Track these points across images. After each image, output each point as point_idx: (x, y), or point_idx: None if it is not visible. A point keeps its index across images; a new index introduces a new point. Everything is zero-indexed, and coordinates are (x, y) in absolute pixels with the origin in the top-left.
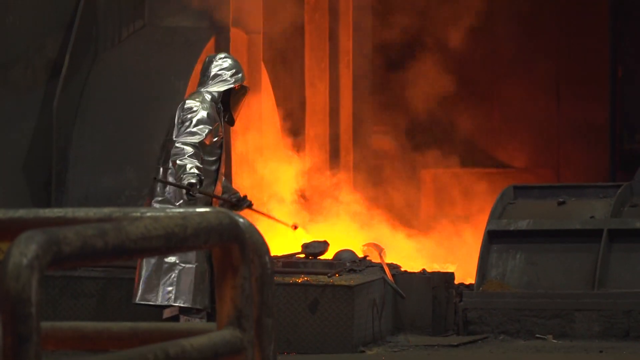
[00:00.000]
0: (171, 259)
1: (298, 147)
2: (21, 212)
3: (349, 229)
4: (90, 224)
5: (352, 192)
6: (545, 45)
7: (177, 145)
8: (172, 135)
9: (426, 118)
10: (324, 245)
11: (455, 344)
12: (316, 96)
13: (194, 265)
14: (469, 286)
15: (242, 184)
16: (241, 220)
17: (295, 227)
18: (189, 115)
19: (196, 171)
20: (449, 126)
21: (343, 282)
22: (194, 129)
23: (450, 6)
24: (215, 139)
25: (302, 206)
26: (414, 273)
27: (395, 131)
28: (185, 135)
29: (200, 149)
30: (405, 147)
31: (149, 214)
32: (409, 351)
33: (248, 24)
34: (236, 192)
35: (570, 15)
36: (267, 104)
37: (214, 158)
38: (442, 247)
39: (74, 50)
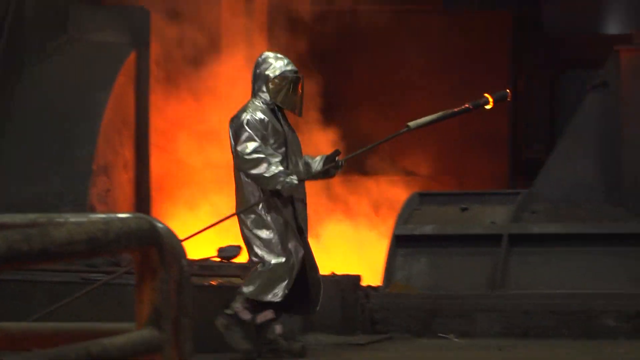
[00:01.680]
0: None
1: None
2: None
3: None
4: (16, 229)
5: None
6: (449, 61)
7: (245, 158)
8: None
9: (338, 127)
10: (237, 249)
11: (363, 342)
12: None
13: None
14: (376, 288)
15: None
16: (160, 225)
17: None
18: (235, 126)
19: (278, 177)
20: (359, 135)
21: None
22: (245, 137)
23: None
24: (273, 140)
25: None
26: (323, 276)
27: (328, 133)
28: (242, 144)
29: (260, 152)
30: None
31: (72, 220)
32: (322, 349)
33: (170, 39)
34: (320, 157)
35: (474, 32)
36: (189, 123)
37: (278, 158)
38: (351, 251)
39: (1, 63)
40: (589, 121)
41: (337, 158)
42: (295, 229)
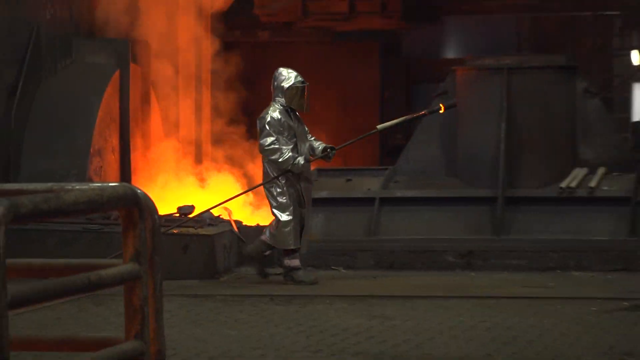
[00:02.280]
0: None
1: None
2: None
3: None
4: (38, 194)
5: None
6: (337, 78)
7: (265, 148)
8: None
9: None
10: (191, 208)
11: (279, 272)
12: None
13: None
14: None
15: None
16: (139, 191)
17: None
18: (260, 124)
19: (289, 161)
20: None
21: (205, 232)
22: (265, 133)
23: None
24: (287, 134)
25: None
26: (251, 226)
27: (238, 133)
28: (263, 138)
29: (276, 144)
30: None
31: (77, 187)
32: (248, 277)
33: (143, 61)
34: (320, 147)
35: (354, 57)
36: (156, 119)
37: (290, 146)
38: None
39: (25, 77)
40: (436, 118)
41: (328, 150)
42: (297, 199)
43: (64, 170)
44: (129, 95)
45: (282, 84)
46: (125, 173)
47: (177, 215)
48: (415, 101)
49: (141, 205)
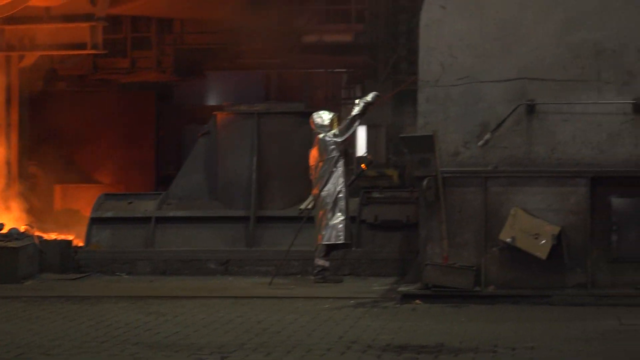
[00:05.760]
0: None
1: None
2: None
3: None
4: None
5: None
6: (124, 119)
7: (342, 133)
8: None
9: (72, 155)
10: (1, 225)
11: (74, 278)
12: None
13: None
14: (81, 247)
15: None
16: None
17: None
18: (323, 144)
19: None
20: (73, 159)
21: (10, 245)
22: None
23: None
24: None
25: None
26: (50, 240)
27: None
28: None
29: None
30: (49, 170)
31: None
32: (50, 282)
33: None
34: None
35: (136, 103)
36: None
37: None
38: (56, 224)
39: None
40: (200, 153)
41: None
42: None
43: None
44: None
45: (323, 124)
46: None
47: None
48: (185, 137)
49: None
